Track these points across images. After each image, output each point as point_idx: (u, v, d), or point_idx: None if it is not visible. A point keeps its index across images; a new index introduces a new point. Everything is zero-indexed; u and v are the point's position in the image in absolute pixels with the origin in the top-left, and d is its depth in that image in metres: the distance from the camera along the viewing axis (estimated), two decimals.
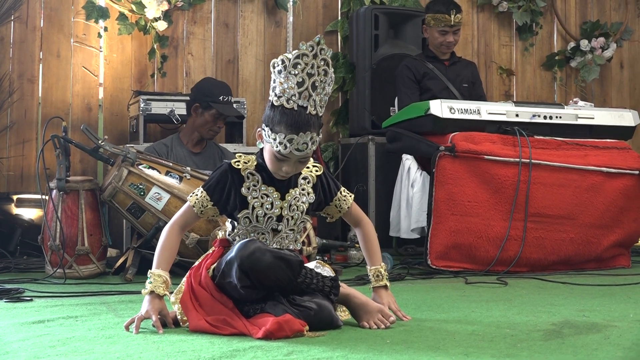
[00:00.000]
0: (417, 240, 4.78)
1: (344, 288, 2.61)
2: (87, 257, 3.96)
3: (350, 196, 2.72)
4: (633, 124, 4.70)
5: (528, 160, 4.26)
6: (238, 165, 2.55)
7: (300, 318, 2.37)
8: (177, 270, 3.39)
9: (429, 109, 4.32)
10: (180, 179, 3.97)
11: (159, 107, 4.93)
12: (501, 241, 4.19)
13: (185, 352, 2.11)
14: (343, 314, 2.61)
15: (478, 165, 4.22)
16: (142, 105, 4.88)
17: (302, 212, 2.59)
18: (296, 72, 2.39)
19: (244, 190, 2.53)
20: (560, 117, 4.55)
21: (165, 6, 5.33)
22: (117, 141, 5.10)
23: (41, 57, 5.28)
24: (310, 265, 2.61)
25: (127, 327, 2.44)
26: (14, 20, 5.19)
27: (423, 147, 4.37)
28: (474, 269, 4.17)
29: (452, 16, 4.95)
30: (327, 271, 2.61)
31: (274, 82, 2.43)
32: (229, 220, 2.62)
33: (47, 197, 4.02)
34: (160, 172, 3.96)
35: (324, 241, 4.61)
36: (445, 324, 2.62)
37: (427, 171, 4.47)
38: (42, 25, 5.28)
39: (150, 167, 3.96)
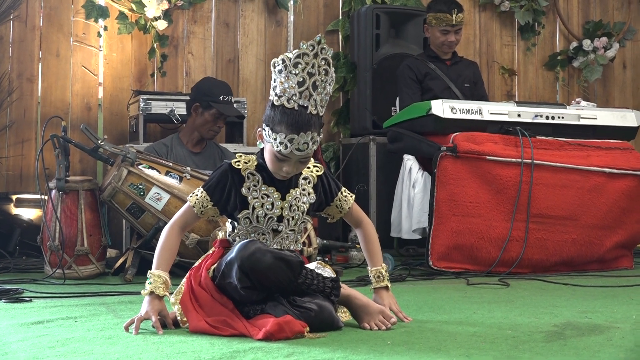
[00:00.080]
0: (418, 241, 4.77)
1: (345, 289, 2.61)
2: (86, 258, 3.95)
3: (351, 196, 2.72)
4: (636, 125, 4.69)
5: (530, 161, 4.25)
6: (238, 165, 2.55)
7: (300, 319, 2.37)
8: (177, 270, 3.38)
9: (430, 109, 4.31)
10: (180, 179, 3.96)
11: (159, 107, 4.92)
12: (503, 242, 4.18)
13: (185, 353, 2.11)
14: (344, 315, 2.60)
15: (480, 166, 4.21)
16: (142, 104, 4.88)
17: (302, 213, 2.59)
18: (297, 72, 2.38)
19: (244, 191, 2.53)
20: (562, 118, 4.54)
21: (165, 5, 5.32)
22: (116, 141, 5.09)
23: (40, 56, 5.27)
24: (311, 266, 2.61)
25: (126, 328, 2.43)
26: (13, 19, 5.18)
27: (424, 147, 4.36)
28: (476, 270, 4.16)
29: (454, 15, 4.94)
30: (327, 272, 2.61)
31: (274, 82, 2.43)
32: (229, 220, 2.61)
33: (46, 197, 4.02)
34: (160, 172, 3.96)
35: (325, 242, 4.61)
36: (447, 325, 2.61)
37: (429, 171, 4.46)
38: (41, 24, 5.27)
39: (150, 167, 3.95)
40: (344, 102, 5.93)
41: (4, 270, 4.15)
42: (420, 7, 5.87)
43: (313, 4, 5.91)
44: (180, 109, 4.91)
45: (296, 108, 2.39)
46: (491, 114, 4.42)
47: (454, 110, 4.32)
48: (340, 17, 5.96)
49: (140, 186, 3.88)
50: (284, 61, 2.39)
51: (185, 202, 2.61)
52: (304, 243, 3.85)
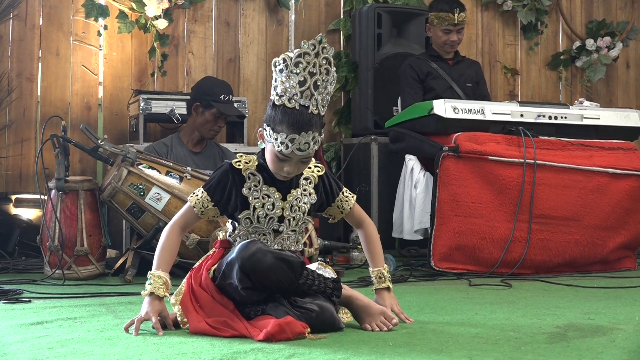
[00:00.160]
0: (420, 241, 4.78)
1: (346, 290, 2.60)
2: (86, 258, 3.94)
3: (353, 197, 2.71)
4: (639, 125, 4.68)
5: (533, 161, 4.24)
6: (239, 165, 2.54)
7: (301, 320, 2.36)
8: (177, 271, 3.38)
9: (432, 108, 4.30)
10: (181, 179, 3.95)
11: (159, 107, 4.92)
12: (505, 243, 4.17)
13: (185, 354, 2.10)
14: (345, 316, 2.60)
15: (482, 166, 4.20)
16: (142, 104, 4.87)
17: (303, 213, 2.58)
18: (298, 71, 2.38)
19: (245, 191, 2.52)
20: (565, 118, 4.53)
21: (165, 4, 5.31)
22: (116, 141, 5.09)
23: (40, 55, 5.26)
24: (312, 266, 2.60)
25: (126, 329, 2.43)
26: (12, 18, 5.17)
27: (426, 147, 4.35)
28: (478, 271, 4.16)
29: (456, 15, 4.93)
30: (329, 273, 2.60)
31: (275, 81, 2.42)
32: (230, 221, 2.61)
33: (45, 197, 4.02)
34: (160, 172, 3.95)
35: (326, 242, 4.61)
36: (449, 326, 2.61)
37: (431, 172, 4.46)
38: (41, 23, 5.26)
39: (150, 167, 3.94)
40: (346, 102, 5.92)
41: (3, 270, 4.14)
42: (422, 6, 5.86)
43: (314, 3, 5.90)
44: (181, 108, 4.91)
45: (297, 108, 2.39)
46: (493, 113, 4.41)
47: (456, 110, 4.31)
48: (342, 16, 5.95)
49: (140, 186, 3.87)
50: (285, 60, 2.38)
51: (185, 202, 2.61)
52: (305, 244, 3.85)
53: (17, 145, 5.18)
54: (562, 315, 2.83)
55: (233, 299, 2.44)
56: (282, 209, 2.54)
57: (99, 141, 3.97)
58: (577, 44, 6.53)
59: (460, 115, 4.32)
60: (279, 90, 2.40)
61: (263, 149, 2.53)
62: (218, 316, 2.40)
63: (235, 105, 4.78)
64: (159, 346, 2.21)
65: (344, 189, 2.70)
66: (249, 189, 2.52)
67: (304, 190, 2.59)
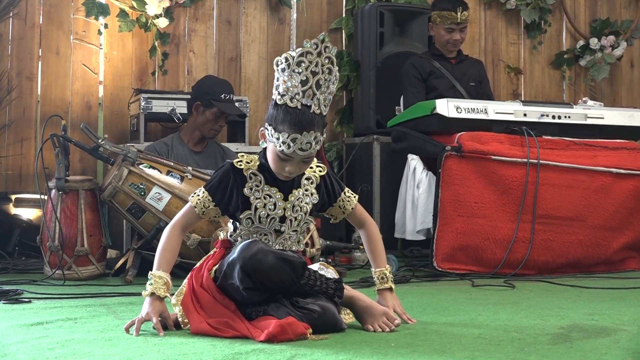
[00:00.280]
0: (422, 242, 4.78)
1: (348, 290, 2.60)
2: (86, 258, 3.94)
3: (355, 197, 2.70)
4: None
5: (536, 161, 4.23)
6: (240, 165, 2.54)
7: (303, 321, 2.35)
8: (178, 271, 3.36)
9: (435, 108, 4.29)
10: (182, 178, 3.94)
11: (160, 106, 4.91)
12: (508, 243, 4.16)
13: (186, 355, 2.10)
14: (347, 317, 2.60)
15: (485, 166, 4.20)
16: (142, 103, 4.86)
17: (305, 213, 2.58)
18: (300, 71, 2.37)
19: (246, 191, 2.51)
20: (569, 117, 4.52)
21: (166, 3, 5.30)
22: (117, 140, 5.08)
23: (40, 54, 5.25)
24: (314, 267, 2.60)
25: (127, 330, 2.43)
26: (12, 17, 5.16)
27: (429, 147, 4.34)
28: (481, 272, 4.15)
29: (459, 13, 4.92)
30: (331, 273, 2.59)
31: (277, 81, 2.42)
32: (231, 221, 2.60)
33: (46, 197, 4.01)
34: (161, 172, 3.94)
35: (328, 242, 4.61)
36: (452, 327, 2.61)
37: (433, 171, 4.45)
38: (41, 22, 5.25)
39: (151, 167, 3.94)
40: (348, 101, 5.91)
41: (3, 270, 4.14)
42: (424, 5, 5.85)
43: (316, 2, 5.89)
44: (182, 107, 4.90)
45: (299, 107, 2.38)
46: (497, 113, 4.41)
47: (459, 110, 4.30)
48: (344, 15, 5.94)
49: (141, 186, 3.86)
50: (287, 60, 2.38)
51: (186, 202, 2.61)
52: (306, 244, 3.84)
53: (17, 144, 5.17)
54: (565, 316, 2.82)
55: (234, 300, 2.43)
56: (284, 209, 2.53)
57: (100, 140, 3.96)
58: (581, 43, 6.51)
59: (463, 115, 4.31)
60: (280, 90, 2.40)
61: (265, 149, 2.53)
62: (219, 317, 2.39)
63: (236, 104, 4.78)
64: (160, 347, 2.21)
65: (346, 189, 2.70)
66: (251, 189, 2.51)
67: (306, 190, 2.58)
